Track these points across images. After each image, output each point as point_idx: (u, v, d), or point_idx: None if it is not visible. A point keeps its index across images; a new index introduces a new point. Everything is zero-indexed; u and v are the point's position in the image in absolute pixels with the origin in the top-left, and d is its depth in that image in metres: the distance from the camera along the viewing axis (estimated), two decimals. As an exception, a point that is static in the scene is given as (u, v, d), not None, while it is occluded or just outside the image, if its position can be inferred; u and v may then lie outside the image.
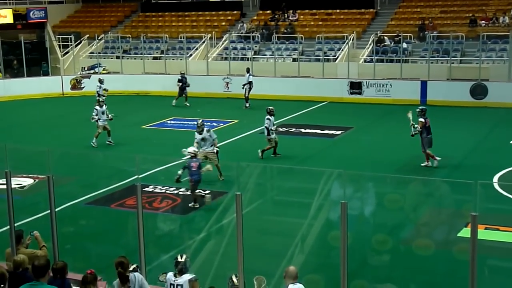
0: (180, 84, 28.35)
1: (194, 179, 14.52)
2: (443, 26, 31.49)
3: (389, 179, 14.77)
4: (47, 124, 20.95)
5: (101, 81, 26.66)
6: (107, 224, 14.03)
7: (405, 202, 13.70)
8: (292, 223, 13.75)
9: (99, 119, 20.42)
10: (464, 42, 30.00)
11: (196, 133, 17.03)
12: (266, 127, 18.71)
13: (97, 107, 20.70)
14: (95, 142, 20.37)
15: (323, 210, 13.86)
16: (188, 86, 28.50)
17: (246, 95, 27.73)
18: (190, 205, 14.59)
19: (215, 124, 23.89)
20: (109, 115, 20.73)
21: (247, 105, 27.59)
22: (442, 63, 29.09)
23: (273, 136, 18.72)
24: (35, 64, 35.06)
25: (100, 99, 21.80)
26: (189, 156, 14.76)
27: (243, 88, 27.95)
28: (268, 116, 18.73)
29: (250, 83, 27.76)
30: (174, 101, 28.31)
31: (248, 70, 28.22)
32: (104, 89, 26.21)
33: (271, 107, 19.23)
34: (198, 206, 14.51)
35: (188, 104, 28.17)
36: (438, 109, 25.84)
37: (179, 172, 14.64)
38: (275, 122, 19.08)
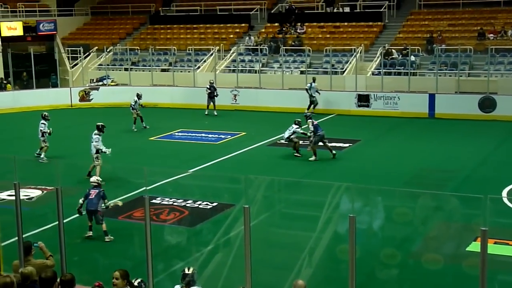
0: (209, 91, 28.88)
1: (87, 208, 13.58)
2: (451, 39, 31.47)
3: (398, 192, 14.72)
4: (56, 135, 21.01)
5: (139, 96, 26.41)
6: (114, 236, 14.01)
7: (414, 216, 13.65)
8: (300, 236, 13.71)
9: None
10: (473, 55, 29.96)
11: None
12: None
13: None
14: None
15: (331, 224, 13.81)
16: (217, 96, 29.00)
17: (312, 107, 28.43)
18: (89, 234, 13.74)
19: (222, 136, 23.93)
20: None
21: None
22: (450, 76, 29.05)
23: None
24: (44, 76, 35.25)
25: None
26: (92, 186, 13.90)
27: (311, 99, 28.45)
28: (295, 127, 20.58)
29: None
30: (206, 110, 29.04)
31: (314, 80, 28.73)
32: (140, 104, 26.24)
33: (298, 120, 21.03)
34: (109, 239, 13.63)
35: (214, 113, 28.79)
36: (446, 122, 25.83)
37: (80, 201, 13.66)
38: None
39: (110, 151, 18.27)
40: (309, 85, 28.51)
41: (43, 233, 13.04)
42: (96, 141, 18.26)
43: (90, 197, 13.67)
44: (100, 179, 14.37)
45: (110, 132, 22.16)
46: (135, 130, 25.63)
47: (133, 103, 25.92)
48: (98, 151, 18.21)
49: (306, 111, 26.68)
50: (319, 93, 28.55)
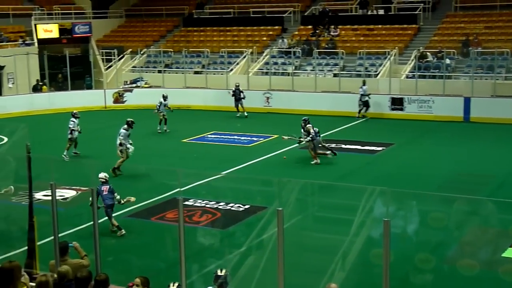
0: (233, 94, 29.19)
1: (106, 203, 13.89)
2: (488, 42, 31.02)
3: (432, 197, 14.55)
4: (90, 137, 21.26)
5: (165, 97, 26.56)
6: (147, 237, 14.10)
7: (449, 220, 13.47)
8: (333, 240, 13.63)
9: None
10: (510, 58, 29.50)
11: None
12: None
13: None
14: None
15: (365, 228, 13.70)
16: (244, 98, 29.25)
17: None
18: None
19: (255, 139, 23.93)
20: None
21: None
22: (486, 79, 28.65)
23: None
24: (79, 78, 35.68)
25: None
26: (100, 183, 14.11)
27: (362, 103, 28.41)
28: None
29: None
30: (238, 113, 29.45)
31: (364, 83, 28.62)
32: (166, 106, 26.36)
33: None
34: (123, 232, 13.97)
35: (244, 114, 29.23)
36: (481, 126, 25.49)
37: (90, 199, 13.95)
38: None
39: (133, 150, 19.06)
40: (361, 89, 28.38)
41: (78, 233, 13.18)
42: (121, 136, 19.09)
43: (104, 193, 13.94)
44: (107, 176, 14.61)
45: (143, 133, 22.41)
46: (159, 131, 25.78)
47: (158, 104, 26.07)
48: (121, 144, 18.98)
49: (357, 115, 27.71)
50: (369, 97, 28.32)
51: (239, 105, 29.28)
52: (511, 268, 11.59)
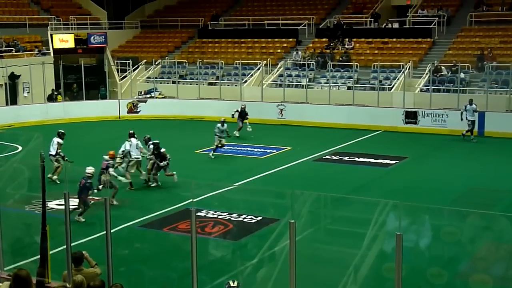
0: (238, 113, 27.61)
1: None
2: (503, 56, 30.92)
3: (446, 211, 14.46)
4: (104, 146, 21.30)
5: (223, 124, 23.66)
6: (159, 248, 14.13)
7: (462, 235, 13.38)
8: (345, 253, 13.58)
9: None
10: (524, 73, 29.37)
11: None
12: None
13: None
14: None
15: (377, 241, 13.65)
16: (247, 118, 27.50)
17: None
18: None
19: (268, 151, 23.95)
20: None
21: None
22: (501, 94, 28.54)
23: None
24: (93, 88, 35.92)
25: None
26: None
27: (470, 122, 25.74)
28: None
29: None
30: (237, 133, 27.11)
31: (470, 102, 25.90)
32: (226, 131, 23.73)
33: None
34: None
35: (236, 135, 26.81)
36: (496, 141, 25.37)
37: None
38: None
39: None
40: (464, 107, 25.97)
41: (90, 243, 13.22)
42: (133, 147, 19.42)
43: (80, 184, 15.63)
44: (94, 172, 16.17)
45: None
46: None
47: (216, 130, 23.66)
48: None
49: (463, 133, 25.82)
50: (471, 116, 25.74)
51: (240, 126, 27.31)
52: (525, 284, 11.49)
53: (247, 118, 27.58)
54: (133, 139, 19.30)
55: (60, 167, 19.48)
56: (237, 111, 27.69)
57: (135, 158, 19.06)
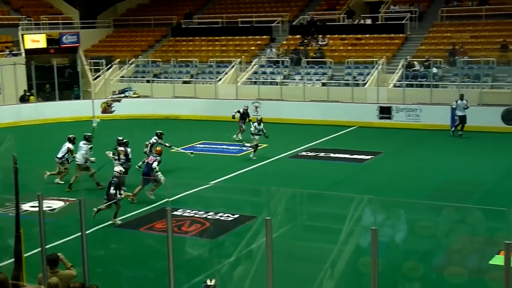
0: (239, 114, 25.87)
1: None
2: (474, 51, 31.27)
3: (420, 205, 14.61)
4: (78, 147, 21.14)
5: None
6: (136, 248, 14.07)
7: (437, 229, 13.53)
8: (322, 249, 13.65)
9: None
10: (495, 67, 29.73)
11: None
12: None
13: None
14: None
15: (353, 236, 13.74)
16: (248, 120, 25.58)
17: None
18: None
19: (244, 148, 23.93)
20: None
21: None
22: (472, 88, 28.83)
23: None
24: (67, 88, 35.60)
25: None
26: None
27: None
28: None
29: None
30: (238, 136, 25.79)
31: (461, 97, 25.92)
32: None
33: None
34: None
35: (240, 137, 25.52)
36: (469, 135, 25.62)
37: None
38: None
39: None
40: (455, 102, 26.06)
41: (66, 245, 13.12)
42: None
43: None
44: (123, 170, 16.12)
45: (133, 144, 22.24)
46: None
47: (252, 129, 22.85)
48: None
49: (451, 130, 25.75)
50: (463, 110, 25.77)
51: (241, 128, 25.71)
52: (498, 275, 11.65)
53: (250, 120, 25.29)
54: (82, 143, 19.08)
55: (65, 172, 19.31)
56: (239, 112, 25.85)
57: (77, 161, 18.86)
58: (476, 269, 12.48)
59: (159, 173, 17.35)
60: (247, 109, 26.05)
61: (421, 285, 11.89)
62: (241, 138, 25.27)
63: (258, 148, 22.50)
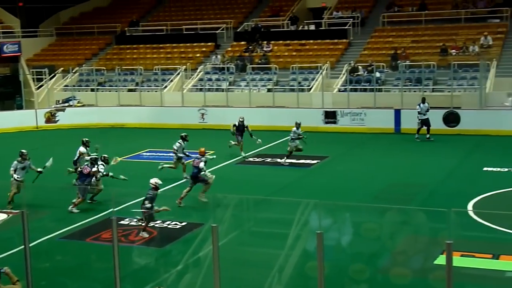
0: (235, 127, 24.16)
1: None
2: (415, 55, 31.97)
3: (365, 208, 14.83)
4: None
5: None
6: (83, 259, 13.86)
7: (382, 231, 13.75)
8: (269, 254, 13.71)
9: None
10: (436, 70, 30.45)
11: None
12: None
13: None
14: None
15: (300, 241, 13.85)
16: (246, 130, 24.10)
17: None
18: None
19: (191, 156, 23.82)
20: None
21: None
22: (415, 91, 29.44)
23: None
24: (8, 98, 34.86)
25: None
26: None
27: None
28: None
29: None
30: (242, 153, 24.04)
31: (423, 100, 25.89)
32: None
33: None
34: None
35: (242, 154, 23.97)
36: (412, 137, 26.11)
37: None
38: None
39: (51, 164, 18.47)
40: (417, 106, 25.89)
41: (9, 258, 12.83)
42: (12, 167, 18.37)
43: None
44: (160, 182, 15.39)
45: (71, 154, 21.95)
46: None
47: (292, 134, 22.28)
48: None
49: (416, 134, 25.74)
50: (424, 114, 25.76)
51: (240, 142, 23.95)
52: (442, 275, 11.91)
53: (249, 131, 23.94)
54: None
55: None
56: (235, 125, 24.05)
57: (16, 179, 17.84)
58: (421, 269, 12.73)
59: (207, 172, 17.27)
60: (243, 121, 24.07)
61: (367, 287, 12.06)
62: (244, 154, 23.78)
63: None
